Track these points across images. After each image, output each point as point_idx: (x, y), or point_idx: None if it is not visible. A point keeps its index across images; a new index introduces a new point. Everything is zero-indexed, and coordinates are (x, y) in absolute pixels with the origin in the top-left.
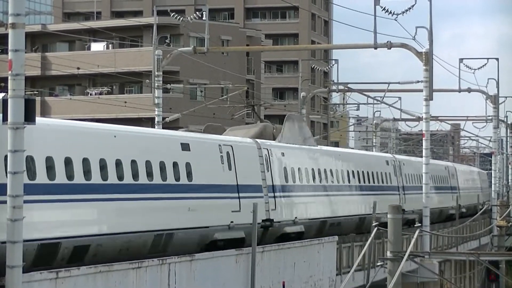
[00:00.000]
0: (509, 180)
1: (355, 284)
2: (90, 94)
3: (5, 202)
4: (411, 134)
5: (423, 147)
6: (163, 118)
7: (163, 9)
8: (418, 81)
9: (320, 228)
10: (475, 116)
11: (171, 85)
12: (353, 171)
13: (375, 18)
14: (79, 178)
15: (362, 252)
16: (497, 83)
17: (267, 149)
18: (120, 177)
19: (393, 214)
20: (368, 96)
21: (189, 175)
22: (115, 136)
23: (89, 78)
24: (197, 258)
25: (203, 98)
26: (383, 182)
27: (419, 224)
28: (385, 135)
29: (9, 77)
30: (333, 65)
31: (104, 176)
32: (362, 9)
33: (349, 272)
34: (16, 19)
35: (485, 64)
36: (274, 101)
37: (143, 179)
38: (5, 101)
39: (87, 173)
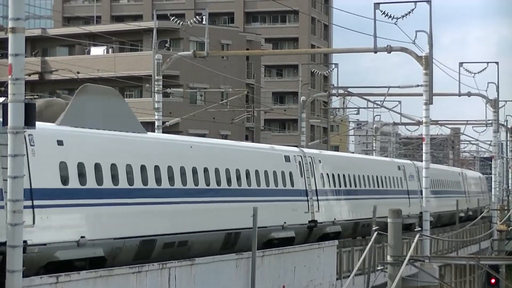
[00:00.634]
0: (509, 184)
1: None
2: None
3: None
4: (411, 138)
5: (423, 151)
6: (163, 123)
7: (163, 13)
8: (418, 85)
9: (354, 229)
10: (475, 120)
11: (171, 89)
12: (376, 177)
13: (375, 22)
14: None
15: (362, 256)
16: (497, 87)
17: (311, 157)
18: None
19: (393, 218)
20: (368, 100)
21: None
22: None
23: (89, 83)
24: (197, 263)
25: (203, 102)
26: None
27: (419, 228)
28: (385, 139)
29: (9, 82)
30: (333, 69)
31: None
32: (362, 13)
33: (349, 276)
34: (16, 24)
35: (485, 68)
36: (274, 105)
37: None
38: (5, 106)
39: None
